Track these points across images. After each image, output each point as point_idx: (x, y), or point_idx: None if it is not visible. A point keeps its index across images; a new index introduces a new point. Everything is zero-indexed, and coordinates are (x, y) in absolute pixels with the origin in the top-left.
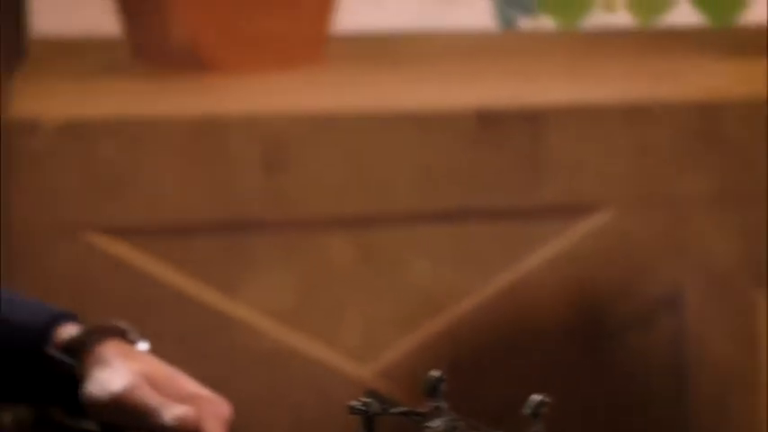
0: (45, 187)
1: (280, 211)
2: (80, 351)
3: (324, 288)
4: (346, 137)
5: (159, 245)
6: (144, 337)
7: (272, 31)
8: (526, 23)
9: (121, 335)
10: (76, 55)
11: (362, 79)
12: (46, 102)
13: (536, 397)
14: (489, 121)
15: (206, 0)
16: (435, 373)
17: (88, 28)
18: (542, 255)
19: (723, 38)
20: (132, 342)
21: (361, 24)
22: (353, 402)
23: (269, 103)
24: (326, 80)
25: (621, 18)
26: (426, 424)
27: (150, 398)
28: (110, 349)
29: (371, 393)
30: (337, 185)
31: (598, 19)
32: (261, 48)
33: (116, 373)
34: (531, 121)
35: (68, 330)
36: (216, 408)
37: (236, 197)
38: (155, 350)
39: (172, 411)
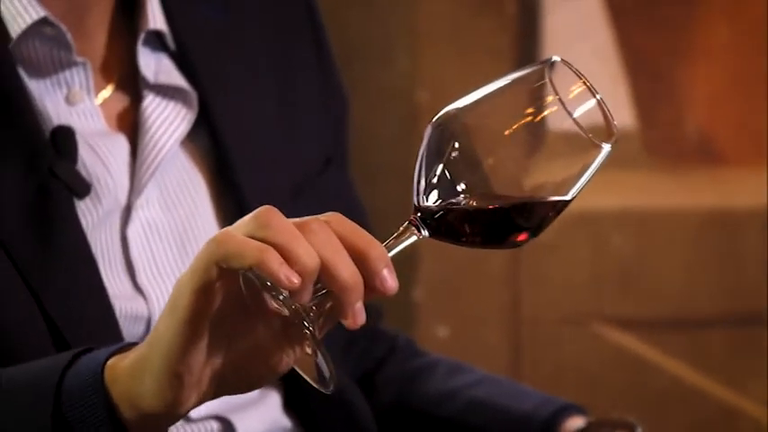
0: (553, 277)
1: None
2: None
3: None
4: None
5: (666, 336)
6: (648, 430)
7: None
8: None
9: (629, 429)
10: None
11: None
12: None
13: None
14: None
15: (719, 95)
16: None
17: (600, 122)
18: None
19: None
20: None
21: None
22: None
23: None
24: None
25: None
26: None
27: None
28: None
29: None
30: None
31: None
32: None
33: None
34: None
35: (574, 423)
36: None
37: (744, 291)
38: None
39: None
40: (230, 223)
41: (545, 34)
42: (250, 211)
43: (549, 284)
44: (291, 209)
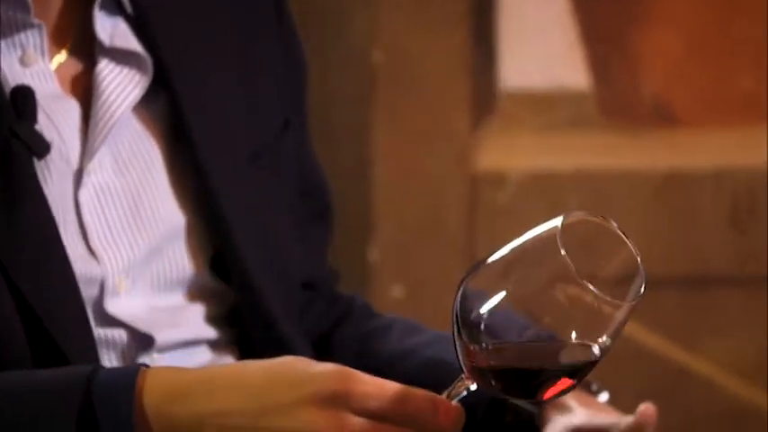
0: (510, 238)
1: (746, 267)
2: None
3: None
4: None
5: None
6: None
7: (741, 87)
8: None
9: (584, 386)
10: (544, 109)
11: None
12: (512, 155)
13: None
14: None
15: (675, 57)
16: None
17: (556, 83)
18: None
19: None
20: (594, 393)
21: None
22: None
23: (737, 158)
24: None
25: None
26: None
27: (604, 419)
28: (571, 396)
29: None
30: None
31: None
32: (729, 103)
33: (575, 414)
34: None
35: None
36: None
37: (702, 251)
38: (613, 403)
39: (625, 420)
40: (184, 188)
41: None
42: (206, 177)
43: (505, 244)
44: (248, 173)
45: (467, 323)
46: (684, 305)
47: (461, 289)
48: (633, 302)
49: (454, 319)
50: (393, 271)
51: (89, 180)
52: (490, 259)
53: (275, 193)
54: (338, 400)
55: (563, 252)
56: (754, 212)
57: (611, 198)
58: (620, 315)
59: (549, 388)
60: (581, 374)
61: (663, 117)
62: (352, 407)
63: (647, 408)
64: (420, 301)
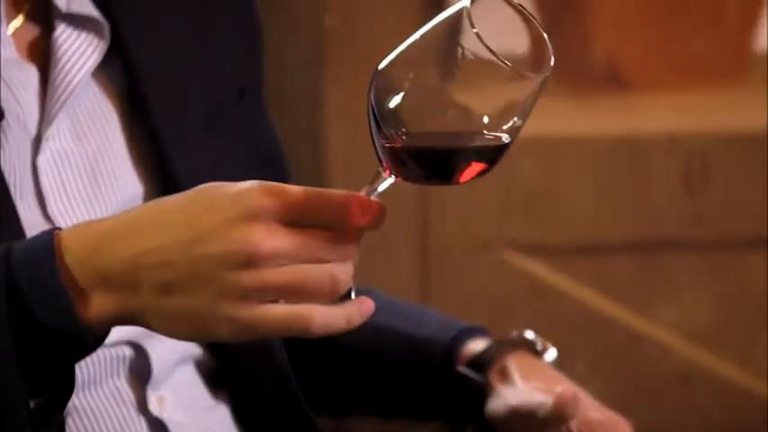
0: (463, 204)
1: (698, 231)
2: (486, 365)
3: (740, 308)
4: None
5: (575, 263)
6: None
7: (693, 50)
8: None
9: (528, 346)
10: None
11: None
12: None
13: None
14: None
15: (627, 19)
16: None
17: (508, 48)
18: None
19: None
20: (539, 353)
21: None
22: None
23: (690, 121)
24: (749, 99)
25: None
26: None
27: (535, 400)
28: (514, 363)
29: None
30: (758, 204)
31: None
32: (682, 66)
33: (515, 391)
34: None
35: (476, 345)
36: (617, 429)
37: (654, 216)
38: (566, 369)
39: (546, 404)
40: (141, 156)
41: None
42: (161, 144)
43: (457, 211)
44: (204, 141)
45: (383, 113)
46: (636, 269)
47: (375, 78)
48: (543, 77)
49: (370, 110)
50: None
51: (47, 146)
52: (402, 46)
53: (231, 160)
54: (264, 214)
55: (475, 30)
56: (706, 176)
57: (563, 163)
58: (529, 91)
59: (464, 170)
60: (494, 156)
61: (615, 81)
62: (279, 217)
63: (564, 391)
64: (373, 267)
